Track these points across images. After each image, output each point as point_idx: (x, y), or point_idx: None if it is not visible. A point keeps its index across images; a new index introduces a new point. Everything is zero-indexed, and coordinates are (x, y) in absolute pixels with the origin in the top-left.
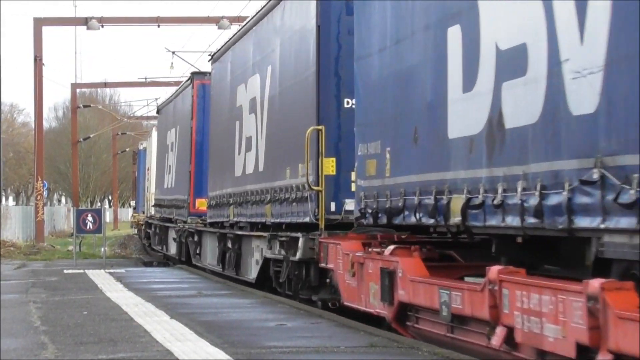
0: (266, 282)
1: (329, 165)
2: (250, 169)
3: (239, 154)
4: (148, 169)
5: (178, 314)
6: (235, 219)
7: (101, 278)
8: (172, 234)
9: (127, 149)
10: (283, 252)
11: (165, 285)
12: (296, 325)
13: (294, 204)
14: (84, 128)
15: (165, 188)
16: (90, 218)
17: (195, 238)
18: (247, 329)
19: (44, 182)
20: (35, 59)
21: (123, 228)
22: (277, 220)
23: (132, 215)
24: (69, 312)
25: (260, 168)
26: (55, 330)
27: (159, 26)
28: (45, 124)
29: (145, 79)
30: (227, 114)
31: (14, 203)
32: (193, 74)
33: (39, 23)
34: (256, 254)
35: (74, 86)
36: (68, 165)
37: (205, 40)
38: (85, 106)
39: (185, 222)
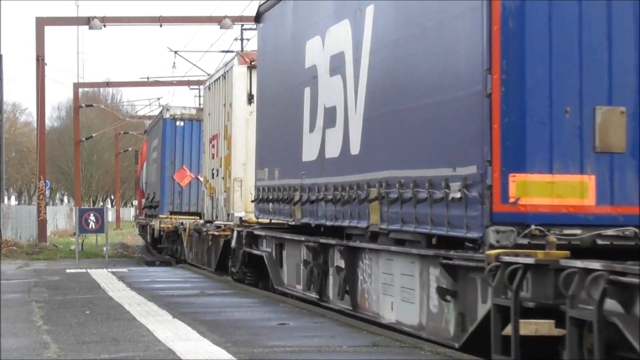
0: None
1: None
2: None
3: None
4: (212, 140)
5: (180, 313)
6: None
7: (103, 277)
8: (421, 276)
9: (130, 149)
10: None
11: (167, 284)
12: (298, 324)
13: None
14: (86, 127)
15: (317, 160)
16: (92, 217)
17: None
18: (249, 328)
19: (47, 181)
20: (37, 59)
21: (125, 227)
22: None
23: (159, 218)
24: (71, 311)
25: None
26: (58, 330)
27: (161, 26)
28: (48, 124)
29: (148, 78)
30: None
31: (17, 202)
32: None
33: (41, 23)
34: None
35: (77, 86)
36: (70, 164)
37: (208, 40)
38: (87, 106)
39: (480, 243)
